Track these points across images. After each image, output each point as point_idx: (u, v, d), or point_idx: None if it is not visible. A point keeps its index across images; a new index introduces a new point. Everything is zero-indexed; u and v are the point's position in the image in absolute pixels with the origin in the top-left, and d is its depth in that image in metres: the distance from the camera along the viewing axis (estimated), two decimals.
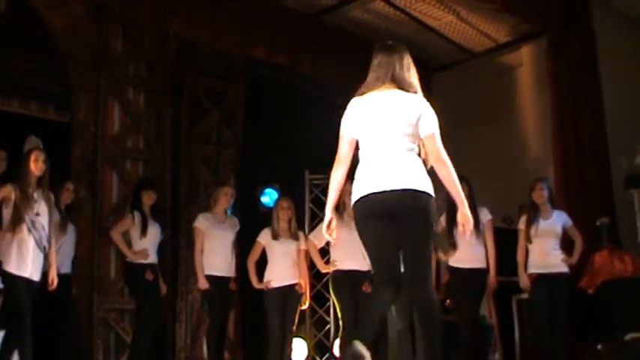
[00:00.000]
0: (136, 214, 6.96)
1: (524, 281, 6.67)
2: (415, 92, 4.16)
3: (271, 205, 8.27)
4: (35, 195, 5.88)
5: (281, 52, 8.08)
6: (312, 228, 7.94)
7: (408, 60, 4.26)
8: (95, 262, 7.53)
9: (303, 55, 8.28)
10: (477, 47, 9.25)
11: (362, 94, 4.17)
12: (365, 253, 6.79)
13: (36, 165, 5.88)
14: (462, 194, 4.05)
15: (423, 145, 4.10)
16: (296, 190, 8.42)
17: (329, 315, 8.56)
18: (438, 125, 4.12)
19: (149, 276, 6.88)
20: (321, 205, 8.81)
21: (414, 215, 3.95)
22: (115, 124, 8.01)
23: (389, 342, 9.05)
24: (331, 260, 7.08)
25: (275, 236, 7.03)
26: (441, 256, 6.94)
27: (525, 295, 7.04)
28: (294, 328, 7.16)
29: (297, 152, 8.82)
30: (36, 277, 5.81)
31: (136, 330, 7.02)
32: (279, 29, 8.00)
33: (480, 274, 6.73)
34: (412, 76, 4.22)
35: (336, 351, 7.51)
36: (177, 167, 8.33)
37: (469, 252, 6.73)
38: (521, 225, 6.76)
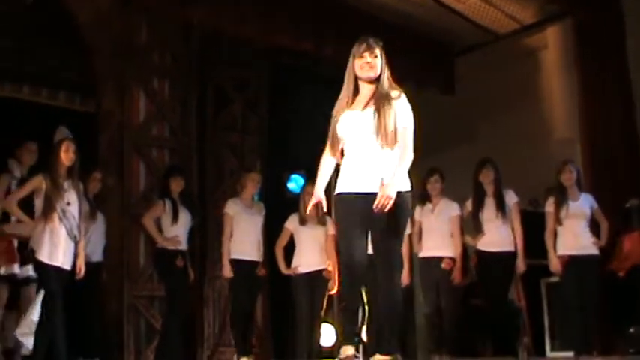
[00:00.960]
0: (167, 202, 7.00)
1: (554, 264, 6.62)
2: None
3: (297, 191, 8.31)
4: (65, 185, 5.94)
5: (305, 38, 8.07)
6: None
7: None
8: (125, 249, 7.59)
9: (327, 40, 8.26)
10: (501, 29, 9.17)
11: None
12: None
13: (67, 155, 5.93)
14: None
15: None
16: None
17: None
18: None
19: (180, 262, 6.92)
20: None
21: None
22: (141, 113, 8.06)
23: (417, 325, 9.12)
24: None
25: (302, 222, 7.05)
26: (469, 239, 6.93)
27: (554, 278, 6.99)
28: (323, 313, 7.19)
29: (323, 138, 8.80)
30: (67, 265, 5.88)
31: (166, 316, 7.08)
32: (303, 15, 7.99)
33: (507, 257, 6.70)
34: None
35: (364, 336, 7.52)
36: (203, 155, 8.37)
37: (496, 235, 6.71)
38: (549, 207, 6.70)
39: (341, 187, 4.26)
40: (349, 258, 4.17)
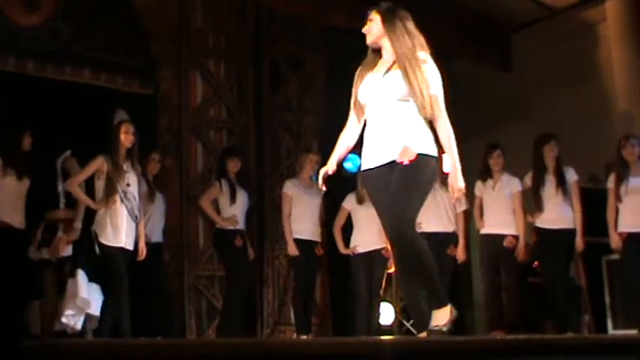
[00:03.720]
0: (224, 182, 7.07)
1: (615, 241, 6.53)
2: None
3: (354, 170, 8.29)
4: (125, 166, 6.05)
5: (360, 17, 8.02)
6: None
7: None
8: (184, 230, 7.69)
9: None
10: (558, 3, 9.02)
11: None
12: (450, 215, 6.87)
13: (126, 137, 6.04)
14: None
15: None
16: None
17: None
18: None
19: (238, 242, 6.99)
20: None
21: None
22: (198, 94, 8.13)
23: (475, 302, 9.08)
24: (416, 222, 7.07)
25: (360, 201, 7.06)
26: (528, 217, 6.87)
27: (615, 256, 6.90)
28: (382, 292, 7.21)
29: None
30: (129, 246, 5.99)
31: (226, 296, 7.16)
32: None
33: (567, 234, 6.64)
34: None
35: None
36: (260, 135, 8.41)
37: (556, 212, 6.65)
38: (610, 184, 6.60)
39: (364, 163, 4.14)
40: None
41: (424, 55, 4.05)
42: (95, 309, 6.41)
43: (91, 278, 6.58)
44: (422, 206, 4.04)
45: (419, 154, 3.93)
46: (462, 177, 4.04)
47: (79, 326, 6.47)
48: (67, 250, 6.77)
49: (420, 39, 4.10)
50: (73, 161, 6.56)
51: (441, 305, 4.03)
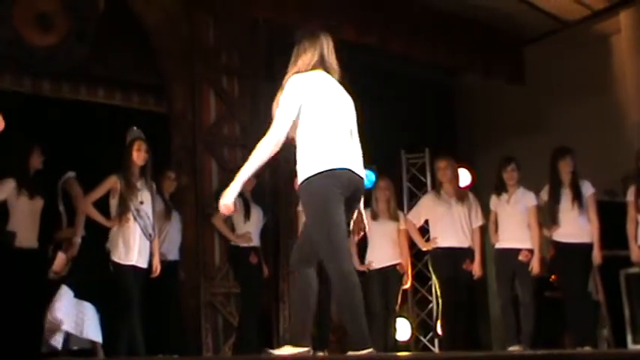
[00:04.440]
0: (237, 199, 7.05)
1: (635, 254, 6.47)
2: (340, 79, 4.17)
3: (368, 186, 8.29)
4: (139, 184, 6.06)
5: (370, 32, 8.05)
6: (411, 207, 7.92)
7: (332, 45, 4.21)
8: (200, 247, 7.70)
9: (393, 33, 8.23)
10: (570, 16, 9.01)
11: (298, 72, 4.12)
12: (466, 230, 6.85)
13: (139, 155, 6.06)
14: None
15: None
16: (393, 170, 8.43)
17: (431, 294, 8.54)
18: None
19: (253, 259, 7.00)
20: (419, 184, 8.83)
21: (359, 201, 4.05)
22: (211, 112, 8.14)
23: (491, 317, 9.03)
24: (431, 238, 7.08)
25: (374, 217, 7.06)
26: (544, 230, 6.84)
27: (634, 269, 6.86)
28: (397, 308, 7.19)
29: (392, 132, 8.81)
30: (143, 264, 6.00)
31: (242, 313, 7.16)
32: (368, 8, 7.97)
33: (585, 248, 6.61)
34: (336, 62, 4.19)
35: (440, 330, 7.49)
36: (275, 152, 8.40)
37: (573, 226, 6.63)
38: (630, 196, 6.55)
39: (332, 163, 3.98)
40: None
41: (289, 78, 4.10)
42: (75, 327, 6.18)
43: (81, 295, 6.33)
44: (342, 228, 3.88)
45: (300, 184, 3.94)
46: (231, 194, 4.03)
47: (57, 345, 6.17)
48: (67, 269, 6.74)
49: (301, 58, 4.17)
50: (75, 182, 6.54)
51: (360, 347, 3.86)
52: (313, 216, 3.94)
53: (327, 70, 4.14)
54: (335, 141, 3.95)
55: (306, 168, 3.92)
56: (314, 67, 4.10)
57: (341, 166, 3.89)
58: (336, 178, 3.86)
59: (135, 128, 6.36)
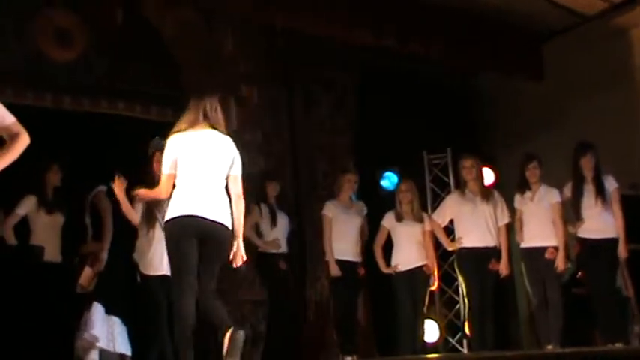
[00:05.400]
0: (263, 207, 7.10)
1: None
2: (226, 133, 4.82)
3: (391, 188, 8.30)
4: None
5: (388, 35, 8.04)
6: (434, 208, 7.89)
7: (217, 103, 4.83)
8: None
9: (410, 35, 8.20)
10: (589, 10, 8.95)
11: (179, 132, 4.74)
12: (492, 229, 6.82)
13: (158, 166, 6.03)
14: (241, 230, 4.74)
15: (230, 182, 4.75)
16: (415, 172, 8.43)
17: (458, 294, 8.50)
18: None
19: (282, 265, 7.03)
20: (442, 185, 8.81)
21: (219, 244, 4.65)
22: (232, 121, 8.14)
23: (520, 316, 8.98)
24: (456, 237, 7.05)
25: (399, 219, 7.06)
26: (569, 227, 6.79)
27: None
28: (425, 309, 7.17)
29: (413, 134, 8.80)
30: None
31: (270, 319, 7.16)
32: (385, 12, 7.95)
33: (610, 243, 6.56)
34: (222, 117, 4.83)
35: (468, 330, 7.45)
36: (296, 158, 8.43)
37: (598, 221, 6.58)
38: None
39: (175, 212, 4.71)
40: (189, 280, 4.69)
41: (170, 137, 4.82)
42: (107, 343, 6.28)
43: (111, 310, 6.44)
44: (188, 268, 4.63)
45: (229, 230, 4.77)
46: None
47: None
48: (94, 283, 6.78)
49: (185, 117, 4.87)
50: (104, 196, 6.58)
51: None
52: (168, 255, 4.75)
53: (212, 126, 4.75)
54: (189, 192, 4.63)
55: (166, 215, 4.67)
56: (196, 125, 4.72)
57: (187, 213, 4.56)
58: (181, 224, 4.56)
59: (157, 139, 6.36)
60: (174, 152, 4.69)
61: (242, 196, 4.78)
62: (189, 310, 4.53)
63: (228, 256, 4.68)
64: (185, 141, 4.70)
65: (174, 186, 4.69)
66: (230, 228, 4.66)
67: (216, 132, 4.76)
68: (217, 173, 4.71)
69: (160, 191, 4.81)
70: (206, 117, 4.75)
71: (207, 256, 4.61)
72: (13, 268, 6.13)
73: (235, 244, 4.70)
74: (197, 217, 4.56)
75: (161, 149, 6.12)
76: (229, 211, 4.69)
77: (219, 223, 4.60)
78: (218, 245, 4.64)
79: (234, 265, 4.72)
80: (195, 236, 4.56)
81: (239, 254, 4.71)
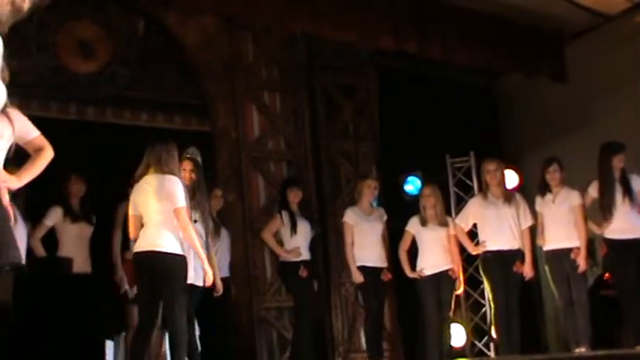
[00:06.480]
0: (284, 214, 7.12)
1: None
2: (171, 173, 5.34)
3: (415, 193, 8.28)
4: (192, 204, 6.08)
5: (409, 39, 8.02)
6: (458, 211, 7.87)
7: (168, 148, 5.42)
8: (250, 263, 7.74)
9: (432, 39, 8.18)
10: (611, 10, 8.89)
11: (138, 179, 5.39)
12: (515, 231, 6.78)
13: (183, 174, 6.06)
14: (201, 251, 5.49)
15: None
16: (439, 176, 8.40)
17: (484, 298, 8.46)
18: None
19: (303, 272, 7.02)
20: (465, 188, 8.78)
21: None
22: (255, 128, 8.21)
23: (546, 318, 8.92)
24: (480, 241, 7.02)
25: (423, 223, 7.04)
26: (595, 228, 6.75)
27: None
28: (451, 314, 7.14)
29: (436, 137, 8.78)
30: (198, 282, 6.02)
31: (296, 326, 7.18)
32: (405, 16, 7.94)
33: (638, 243, 6.50)
34: (171, 161, 5.40)
35: (495, 334, 7.41)
36: (319, 164, 8.44)
37: (625, 222, 6.54)
38: None
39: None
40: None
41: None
42: None
43: None
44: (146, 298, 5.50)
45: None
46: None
47: None
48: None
49: (142, 166, 5.51)
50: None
51: None
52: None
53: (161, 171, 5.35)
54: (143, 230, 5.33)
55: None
56: (149, 172, 5.37)
57: (140, 249, 5.31)
58: (138, 258, 5.33)
59: (192, 148, 6.35)
60: (132, 199, 5.46)
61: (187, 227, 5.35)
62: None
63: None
64: (137, 189, 5.40)
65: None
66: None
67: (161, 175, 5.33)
68: (162, 212, 5.31)
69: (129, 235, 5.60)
70: (160, 164, 5.35)
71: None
72: (43, 280, 6.17)
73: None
74: (146, 251, 5.32)
75: (186, 158, 6.19)
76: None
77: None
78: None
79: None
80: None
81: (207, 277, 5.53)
